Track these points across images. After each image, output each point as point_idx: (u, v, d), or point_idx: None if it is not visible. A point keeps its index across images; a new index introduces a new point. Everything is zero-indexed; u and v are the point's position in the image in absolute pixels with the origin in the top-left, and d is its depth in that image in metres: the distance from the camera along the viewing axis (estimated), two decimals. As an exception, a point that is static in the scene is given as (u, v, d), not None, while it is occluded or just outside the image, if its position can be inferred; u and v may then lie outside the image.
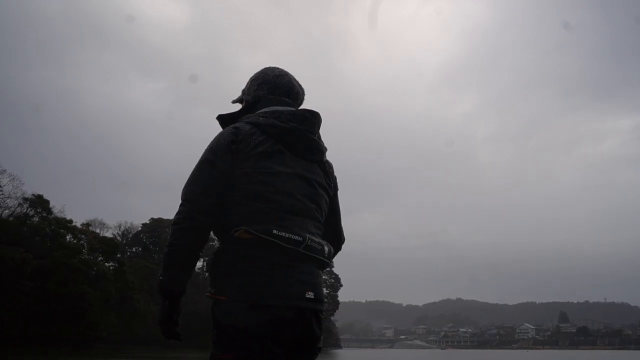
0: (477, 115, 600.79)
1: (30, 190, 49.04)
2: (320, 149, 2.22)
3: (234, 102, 2.43)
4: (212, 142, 2.09)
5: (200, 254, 2.03)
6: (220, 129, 2.18)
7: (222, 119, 2.25)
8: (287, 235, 1.96)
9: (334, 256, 2.26)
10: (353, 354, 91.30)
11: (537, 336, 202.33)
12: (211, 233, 2.09)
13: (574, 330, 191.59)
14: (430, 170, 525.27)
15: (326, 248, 2.12)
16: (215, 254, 2.05)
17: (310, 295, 2.00)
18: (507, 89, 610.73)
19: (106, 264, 52.49)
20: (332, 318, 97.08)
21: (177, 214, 1.99)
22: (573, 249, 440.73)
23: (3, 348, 34.85)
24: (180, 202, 2.01)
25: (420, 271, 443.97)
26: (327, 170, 2.27)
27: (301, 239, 1.99)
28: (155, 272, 56.39)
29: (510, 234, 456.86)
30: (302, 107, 2.33)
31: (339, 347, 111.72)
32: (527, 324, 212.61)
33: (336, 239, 2.35)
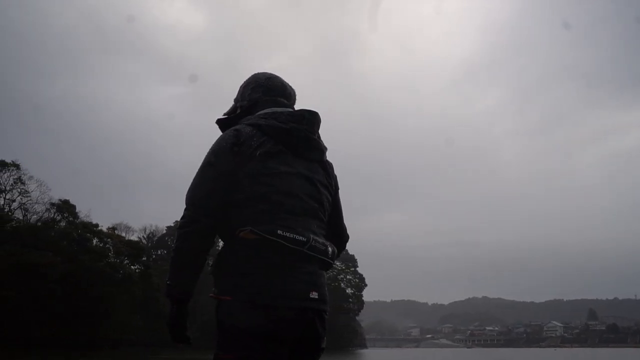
0: (497, 112, 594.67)
1: (56, 195, 49.94)
2: (321, 148, 2.23)
3: (225, 114, 2.39)
4: (213, 145, 2.10)
5: (207, 257, 2.04)
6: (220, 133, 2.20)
7: (222, 123, 2.29)
8: (291, 235, 1.97)
9: (338, 256, 2.26)
10: (378, 354, 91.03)
11: (565, 334, 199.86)
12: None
13: (604, 328, 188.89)
14: (453, 168, 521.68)
15: (330, 249, 2.12)
16: (218, 255, 2.06)
17: (314, 295, 2.00)
18: (527, 85, 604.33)
19: (132, 267, 53.15)
20: (357, 318, 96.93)
21: (182, 217, 2.01)
22: (601, 245, 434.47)
23: (33, 350, 35.43)
24: (184, 206, 2.02)
25: (446, 270, 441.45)
26: (327, 169, 2.27)
27: (305, 239, 1.99)
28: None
29: (535, 230, 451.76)
30: (299, 107, 2.32)
31: (365, 347, 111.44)
32: (554, 322, 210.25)
33: (339, 238, 2.34)
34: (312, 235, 2.03)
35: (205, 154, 2.10)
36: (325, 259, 2.09)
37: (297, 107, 2.33)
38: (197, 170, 2.08)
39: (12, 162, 46.87)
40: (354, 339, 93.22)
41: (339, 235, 2.35)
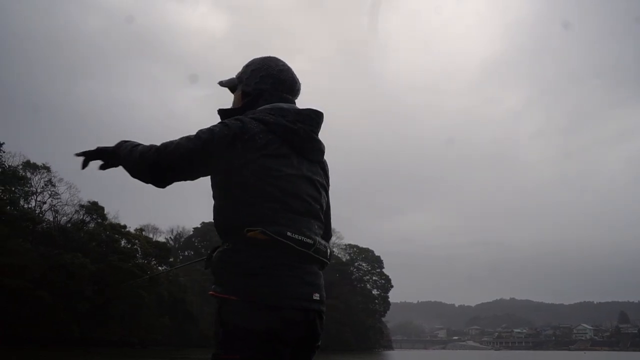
0: (522, 111, 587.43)
1: (85, 197, 50.74)
2: (321, 149, 2.23)
3: (221, 84, 2.34)
4: (215, 126, 2.03)
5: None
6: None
7: (224, 114, 2.21)
8: (299, 237, 1.98)
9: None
10: (405, 355, 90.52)
11: (595, 337, 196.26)
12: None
13: (636, 331, 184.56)
14: (478, 168, 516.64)
15: (328, 250, 2.14)
16: (223, 253, 2.03)
17: (316, 296, 2.02)
18: (552, 84, 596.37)
19: (159, 267, 53.61)
20: (383, 319, 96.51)
21: (145, 155, 1.99)
22: (632, 246, 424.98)
23: (66, 349, 36.02)
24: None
25: (473, 271, 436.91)
26: (325, 169, 2.28)
27: (312, 241, 2.01)
28: (207, 275, 57.26)
29: (564, 231, 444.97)
30: (301, 103, 2.31)
31: (391, 348, 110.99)
32: (584, 325, 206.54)
33: (327, 236, 2.33)
34: (317, 238, 2.05)
35: (203, 127, 2.03)
36: (325, 260, 2.11)
37: (300, 103, 2.28)
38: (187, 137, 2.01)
39: (43, 164, 47.80)
40: (380, 340, 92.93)
41: (327, 233, 2.33)
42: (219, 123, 2.05)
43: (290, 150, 2.08)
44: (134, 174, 2.06)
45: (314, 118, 2.18)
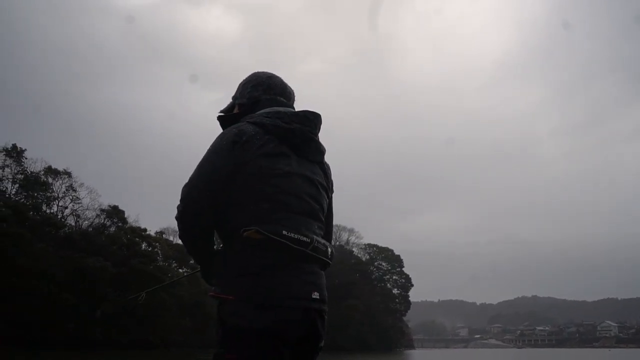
0: (538, 110, 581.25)
1: (106, 201, 51.27)
2: (321, 150, 2.27)
3: (222, 112, 2.40)
4: (214, 142, 2.10)
5: (210, 239, 2.15)
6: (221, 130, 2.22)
7: (223, 120, 2.28)
8: (295, 236, 2.00)
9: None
10: (426, 355, 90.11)
11: (620, 334, 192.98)
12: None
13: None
14: (495, 166, 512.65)
15: (329, 249, 2.16)
16: (221, 254, 2.09)
17: (315, 295, 2.04)
18: (568, 82, 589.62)
19: (180, 270, 53.97)
20: (404, 318, 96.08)
21: (177, 211, 2.06)
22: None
23: (88, 351, 36.41)
24: (180, 198, 2.08)
25: (494, 269, 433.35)
26: (326, 171, 2.31)
27: (309, 240, 2.04)
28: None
29: (586, 228, 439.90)
30: (297, 107, 2.35)
31: (412, 347, 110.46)
32: (608, 322, 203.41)
33: (327, 238, 2.35)
34: (314, 237, 2.07)
35: (206, 150, 2.10)
36: (326, 259, 2.13)
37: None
38: (196, 166, 2.08)
39: (64, 170, 48.46)
40: (401, 339, 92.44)
41: (328, 236, 2.37)
42: (216, 139, 2.12)
43: (289, 150, 2.12)
44: (187, 242, 2.16)
45: (311, 119, 2.22)
